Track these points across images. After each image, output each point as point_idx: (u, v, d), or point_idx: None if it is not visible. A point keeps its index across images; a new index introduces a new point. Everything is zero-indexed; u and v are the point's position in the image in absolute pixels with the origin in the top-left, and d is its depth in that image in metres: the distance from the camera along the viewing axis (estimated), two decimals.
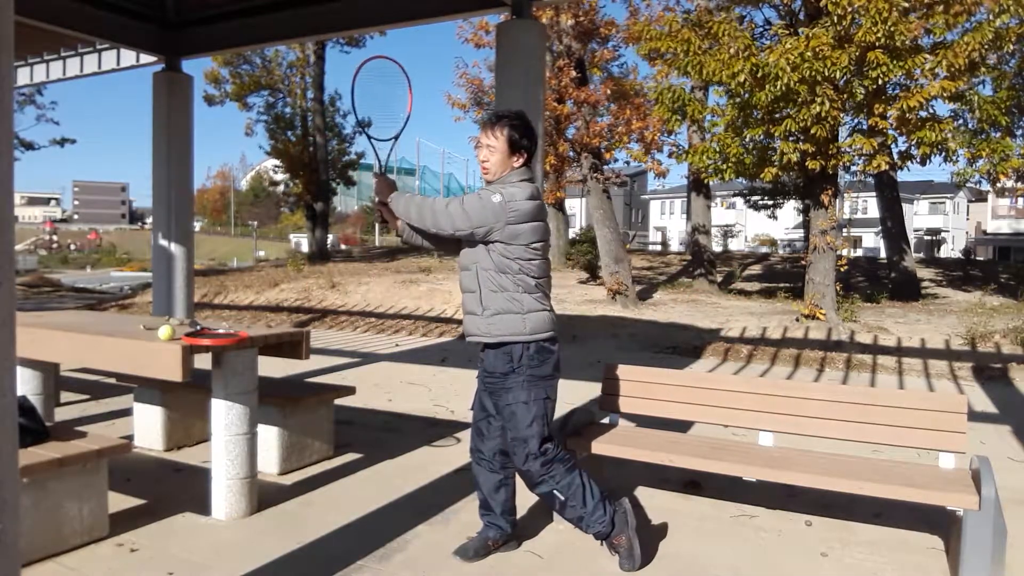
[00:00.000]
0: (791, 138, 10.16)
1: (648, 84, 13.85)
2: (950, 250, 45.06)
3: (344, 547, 3.13)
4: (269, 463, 4.08)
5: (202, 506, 3.50)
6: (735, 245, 48.45)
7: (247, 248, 54.66)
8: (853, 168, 10.94)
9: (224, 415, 3.36)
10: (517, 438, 2.91)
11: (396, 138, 3.21)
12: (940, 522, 3.41)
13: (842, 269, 12.02)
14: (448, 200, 2.87)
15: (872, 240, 42.70)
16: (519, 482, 3.08)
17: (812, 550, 3.20)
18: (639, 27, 10.95)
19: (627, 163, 16.69)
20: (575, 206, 42.00)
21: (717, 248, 32.19)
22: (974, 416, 5.64)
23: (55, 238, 68.46)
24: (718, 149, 10.84)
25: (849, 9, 9.05)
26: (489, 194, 2.85)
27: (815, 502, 3.72)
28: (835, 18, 9.23)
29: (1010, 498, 3.75)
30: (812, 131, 9.67)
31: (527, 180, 2.93)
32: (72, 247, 65.07)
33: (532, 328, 2.86)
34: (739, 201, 31.79)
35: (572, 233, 25.07)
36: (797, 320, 10.71)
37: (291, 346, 3.69)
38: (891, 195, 17.96)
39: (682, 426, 3.77)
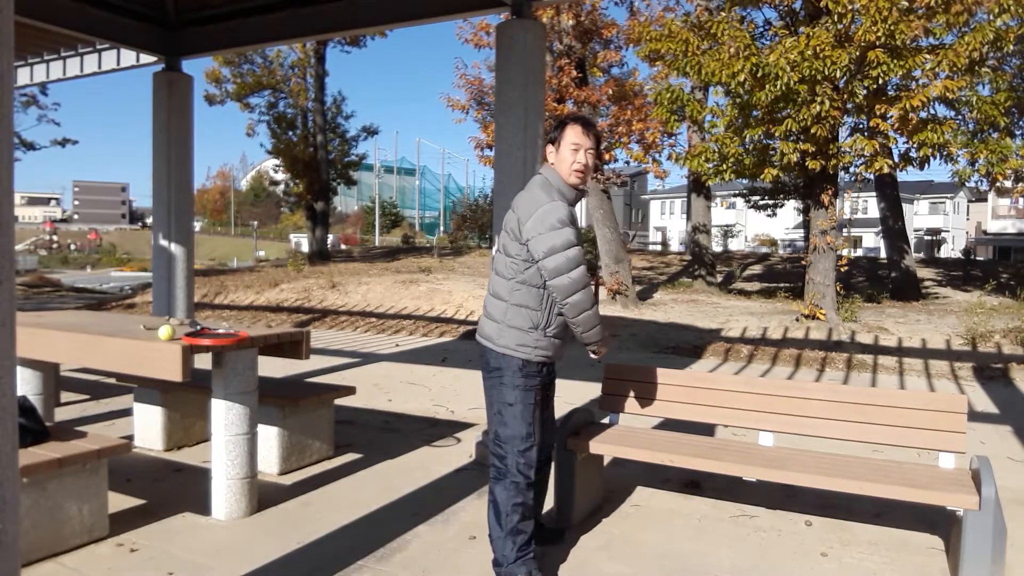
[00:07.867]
0: (791, 138, 10.16)
1: (648, 85, 13.85)
2: (950, 250, 45.01)
3: (344, 547, 3.13)
4: (269, 463, 4.08)
5: (202, 506, 3.50)
6: (735, 245, 48.39)
7: (247, 248, 54.64)
8: (853, 169, 10.95)
9: (224, 415, 3.37)
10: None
11: None
12: (940, 522, 3.42)
13: (842, 269, 12.02)
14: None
15: (872, 240, 42.69)
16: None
17: (812, 550, 3.20)
18: (639, 28, 10.95)
19: (627, 163, 16.67)
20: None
21: (717, 248, 32.19)
22: (974, 416, 5.65)
23: (55, 238, 68.44)
24: (717, 149, 10.84)
25: (849, 8, 9.05)
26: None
27: (815, 502, 3.72)
28: (835, 17, 9.23)
29: (1010, 498, 3.76)
30: (812, 131, 9.67)
31: None
32: (72, 247, 65.03)
33: None
34: (739, 201, 31.79)
35: None
36: (797, 320, 10.70)
37: (291, 346, 3.69)
38: (891, 194, 17.96)
39: (682, 426, 3.76)
